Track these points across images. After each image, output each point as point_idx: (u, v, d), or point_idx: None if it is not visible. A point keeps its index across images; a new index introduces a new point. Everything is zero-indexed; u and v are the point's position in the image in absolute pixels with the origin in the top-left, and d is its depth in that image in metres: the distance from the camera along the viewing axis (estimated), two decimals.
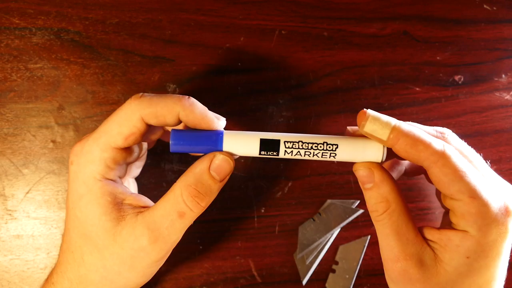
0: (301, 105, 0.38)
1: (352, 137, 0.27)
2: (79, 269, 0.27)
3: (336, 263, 0.37)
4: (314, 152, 0.26)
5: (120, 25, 0.36)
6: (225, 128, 0.28)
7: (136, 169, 0.34)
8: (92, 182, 0.26)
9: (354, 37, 0.38)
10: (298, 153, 0.26)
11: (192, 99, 0.26)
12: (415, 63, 0.39)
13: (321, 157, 0.27)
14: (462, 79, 0.39)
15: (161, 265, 0.29)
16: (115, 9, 0.36)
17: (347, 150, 0.26)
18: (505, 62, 0.39)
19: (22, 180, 0.36)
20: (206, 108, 0.27)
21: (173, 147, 0.27)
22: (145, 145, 0.32)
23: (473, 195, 0.24)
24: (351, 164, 0.38)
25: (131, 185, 0.34)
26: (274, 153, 0.27)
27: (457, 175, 0.24)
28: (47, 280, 0.29)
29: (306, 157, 0.27)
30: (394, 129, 0.25)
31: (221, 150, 0.27)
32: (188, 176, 0.26)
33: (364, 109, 0.26)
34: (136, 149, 0.29)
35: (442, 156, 0.25)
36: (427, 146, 0.25)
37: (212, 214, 0.37)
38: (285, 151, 0.26)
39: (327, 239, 0.37)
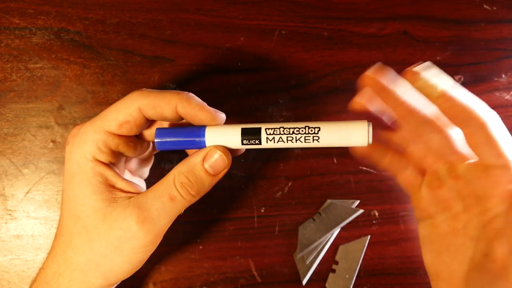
0: (301, 105, 0.38)
1: (334, 121, 0.27)
2: (67, 252, 0.27)
3: (336, 263, 0.37)
4: (296, 137, 0.26)
5: (120, 25, 0.36)
6: None
7: (142, 168, 0.34)
8: (84, 162, 0.27)
9: (354, 37, 0.38)
10: (281, 140, 0.26)
11: (191, 93, 0.27)
12: (415, 63, 0.39)
13: (305, 141, 0.26)
14: (462, 79, 0.39)
15: (148, 254, 0.28)
16: (115, 9, 0.36)
17: (330, 133, 0.26)
18: (505, 62, 0.39)
19: (22, 180, 0.36)
20: (205, 103, 0.27)
21: (158, 145, 0.27)
22: (145, 144, 0.32)
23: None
24: (351, 164, 0.38)
25: (138, 184, 0.34)
26: (257, 141, 0.26)
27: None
28: (41, 266, 0.29)
29: (290, 144, 0.26)
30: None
31: (204, 144, 0.27)
32: (183, 164, 0.27)
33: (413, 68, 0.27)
34: (132, 141, 0.29)
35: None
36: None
37: (212, 214, 0.37)
38: (267, 138, 0.26)
39: (327, 239, 0.37)
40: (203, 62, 0.37)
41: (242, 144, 0.27)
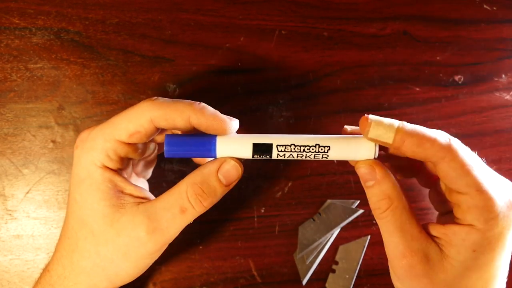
0: (301, 105, 0.38)
1: (344, 136, 0.27)
2: (73, 255, 0.27)
3: (336, 263, 0.37)
4: (306, 154, 0.27)
5: (120, 25, 0.36)
6: None
7: (147, 170, 0.34)
8: (93, 168, 0.27)
9: (354, 37, 0.38)
10: (291, 156, 0.27)
11: (203, 103, 0.27)
12: (415, 63, 0.39)
13: (314, 158, 0.27)
14: (462, 79, 0.39)
15: (154, 259, 0.29)
16: (115, 9, 0.36)
17: (339, 151, 0.27)
18: (505, 62, 0.39)
19: (22, 180, 0.36)
20: (218, 111, 0.27)
21: (167, 153, 0.27)
22: (152, 145, 0.32)
23: (480, 188, 0.25)
24: (351, 164, 0.38)
25: (142, 185, 0.34)
26: (267, 156, 0.27)
27: (465, 169, 0.25)
28: (45, 268, 0.29)
29: (299, 158, 0.27)
30: (398, 130, 0.25)
31: (215, 154, 0.27)
32: (196, 175, 0.27)
33: (365, 114, 0.26)
34: (140, 146, 0.29)
35: (449, 151, 0.25)
36: (432, 142, 0.25)
37: (212, 214, 0.37)
38: (278, 154, 0.27)
39: (327, 239, 0.37)
40: (203, 62, 0.37)
41: (253, 157, 0.27)
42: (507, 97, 0.39)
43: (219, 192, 0.27)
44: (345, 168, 0.38)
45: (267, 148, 0.27)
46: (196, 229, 0.37)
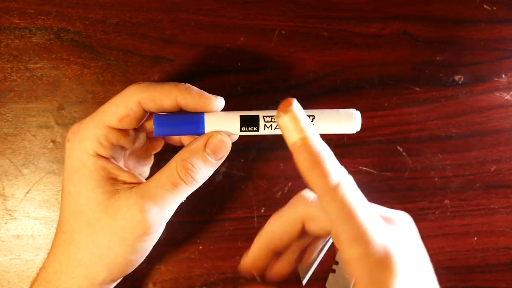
0: (301, 105, 0.38)
1: (328, 109, 0.28)
2: (69, 249, 0.27)
3: (336, 263, 0.37)
4: None
5: (120, 25, 0.36)
6: None
7: (143, 167, 0.34)
8: (86, 157, 0.27)
9: (354, 37, 0.38)
10: (278, 127, 0.27)
11: (188, 84, 0.28)
12: (415, 63, 0.39)
13: None
14: (462, 79, 0.39)
15: (152, 243, 0.28)
16: (115, 9, 0.36)
17: (323, 121, 0.27)
18: (505, 62, 0.39)
19: (22, 180, 0.36)
20: (203, 91, 0.28)
21: (157, 132, 0.27)
22: (142, 135, 0.32)
23: (356, 239, 0.22)
24: (351, 163, 0.38)
25: None
26: (255, 128, 0.27)
27: (343, 217, 0.22)
28: (41, 266, 0.29)
29: None
30: (303, 140, 0.23)
31: (203, 130, 0.27)
32: (184, 152, 0.27)
33: (292, 100, 0.23)
34: (131, 133, 0.29)
35: (334, 192, 0.23)
36: (322, 177, 0.23)
37: (212, 214, 0.37)
38: (265, 125, 0.27)
39: (327, 239, 0.37)
40: (203, 62, 0.37)
41: (241, 130, 0.27)
42: (507, 97, 0.39)
43: (209, 166, 0.27)
44: (345, 168, 0.38)
45: (254, 120, 0.27)
46: (196, 229, 0.37)
